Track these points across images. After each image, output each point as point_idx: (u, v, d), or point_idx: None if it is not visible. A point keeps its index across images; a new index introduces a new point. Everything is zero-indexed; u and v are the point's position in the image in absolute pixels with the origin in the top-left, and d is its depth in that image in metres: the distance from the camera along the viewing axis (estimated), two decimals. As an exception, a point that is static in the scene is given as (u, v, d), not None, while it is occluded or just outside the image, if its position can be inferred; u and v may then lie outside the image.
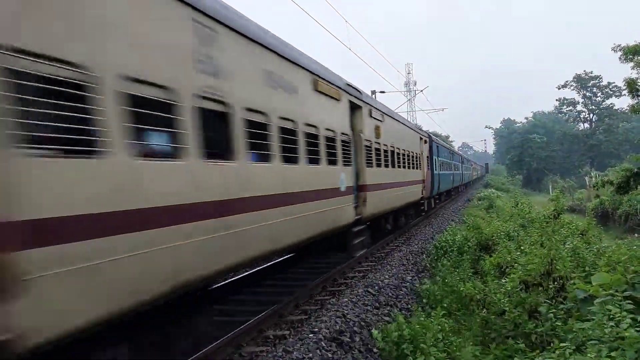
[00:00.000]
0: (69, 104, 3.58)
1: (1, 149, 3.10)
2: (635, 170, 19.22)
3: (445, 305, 7.61)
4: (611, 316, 4.23)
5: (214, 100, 5.24)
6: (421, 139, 20.13)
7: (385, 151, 13.15)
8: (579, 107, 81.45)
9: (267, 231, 6.29)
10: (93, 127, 3.77)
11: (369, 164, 11.37)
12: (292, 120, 7.18)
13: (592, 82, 78.37)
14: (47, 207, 3.30)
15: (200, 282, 5.06)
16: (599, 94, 79.01)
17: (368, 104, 11.77)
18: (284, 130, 6.86)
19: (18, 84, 3.22)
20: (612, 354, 3.86)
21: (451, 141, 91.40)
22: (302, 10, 15.38)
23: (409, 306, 8.53)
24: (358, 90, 11.19)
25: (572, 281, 5.81)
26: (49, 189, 3.36)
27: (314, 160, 8.13)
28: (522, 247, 8.99)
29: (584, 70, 79.54)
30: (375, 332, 6.49)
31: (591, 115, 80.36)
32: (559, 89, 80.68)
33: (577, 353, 4.25)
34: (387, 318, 7.66)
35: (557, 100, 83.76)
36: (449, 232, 14.05)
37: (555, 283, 5.95)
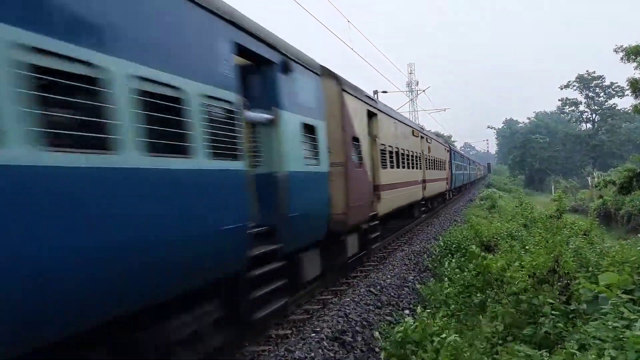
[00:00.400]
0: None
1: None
2: (638, 170, 19.16)
3: (450, 304, 7.57)
4: (624, 317, 4.18)
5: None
6: (446, 149, 28.25)
7: (429, 161, 21.30)
8: (582, 107, 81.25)
9: (403, 194, 14.99)
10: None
11: (428, 168, 20.82)
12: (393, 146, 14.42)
13: (594, 82, 78.18)
14: (383, 180, 12.22)
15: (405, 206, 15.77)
16: (602, 94, 78.81)
17: (426, 136, 21.75)
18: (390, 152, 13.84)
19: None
20: (612, 353, 3.83)
21: (453, 141, 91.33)
22: (304, 10, 15.40)
23: (411, 306, 8.50)
24: (424, 133, 22.19)
25: (577, 281, 5.77)
26: (385, 175, 12.76)
27: (410, 166, 16.67)
28: (526, 247, 8.95)
29: (587, 70, 79.27)
30: (376, 333, 6.46)
31: (594, 115, 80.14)
32: (562, 89, 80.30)
33: (580, 353, 4.21)
34: (389, 318, 7.63)
35: (559, 100, 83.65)
36: (452, 234, 14.01)
37: (561, 281, 5.90)
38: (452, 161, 31.67)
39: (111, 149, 3.61)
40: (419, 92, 59.44)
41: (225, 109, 5.14)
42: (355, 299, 8.20)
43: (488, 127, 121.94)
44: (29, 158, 3.01)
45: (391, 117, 14.11)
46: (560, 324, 5.07)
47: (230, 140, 5.14)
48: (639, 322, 4.01)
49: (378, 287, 9.17)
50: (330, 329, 6.64)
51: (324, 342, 6.19)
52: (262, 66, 6.45)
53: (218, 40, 5.16)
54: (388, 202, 12.66)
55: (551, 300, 5.40)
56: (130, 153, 3.75)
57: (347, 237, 9.68)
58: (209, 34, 5.03)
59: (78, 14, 3.49)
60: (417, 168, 17.56)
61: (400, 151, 14.66)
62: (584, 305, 5.09)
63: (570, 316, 5.21)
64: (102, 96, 3.58)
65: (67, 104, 3.37)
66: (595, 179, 39.09)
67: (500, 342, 5.20)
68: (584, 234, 11.62)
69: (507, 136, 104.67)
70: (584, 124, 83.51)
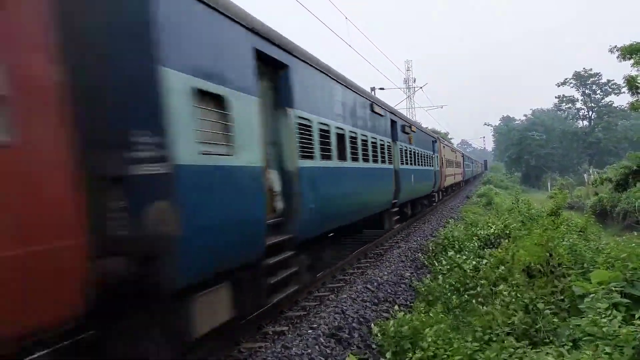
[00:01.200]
0: None
1: None
2: (634, 168, 19.25)
3: (445, 300, 7.63)
4: (601, 312, 4.25)
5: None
6: (462, 155, 45.46)
7: (451, 162, 30.67)
8: (578, 105, 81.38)
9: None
10: None
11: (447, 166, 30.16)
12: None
13: (591, 79, 78.30)
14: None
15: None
16: (599, 92, 78.97)
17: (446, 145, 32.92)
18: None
19: None
20: (607, 349, 3.88)
21: (450, 138, 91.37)
22: (301, 6, 15.33)
23: (408, 302, 8.55)
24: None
25: (569, 278, 5.83)
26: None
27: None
28: (521, 241, 9.02)
29: (583, 68, 79.43)
30: (375, 328, 6.52)
31: (590, 112, 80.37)
32: (559, 86, 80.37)
33: (573, 350, 4.27)
34: (386, 314, 7.69)
35: (556, 97, 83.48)
36: (449, 230, 14.07)
37: (554, 272, 5.97)
38: (463, 162, 49.27)
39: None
40: (416, 89, 59.41)
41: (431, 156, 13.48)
42: (352, 296, 8.25)
43: (485, 124, 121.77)
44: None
45: (448, 147, 29.02)
46: (555, 320, 5.13)
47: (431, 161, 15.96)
48: (618, 317, 4.06)
49: (375, 283, 9.22)
50: (327, 325, 6.68)
51: (321, 339, 6.24)
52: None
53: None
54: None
55: (543, 296, 5.46)
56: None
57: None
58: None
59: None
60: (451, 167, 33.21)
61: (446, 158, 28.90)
62: (569, 302, 5.15)
63: (563, 313, 5.27)
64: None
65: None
66: (592, 176, 39.16)
67: (493, 337, 5.27)
68: (580, 231, 11.69)
69: (503, 133, 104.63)
70: (580, 122, 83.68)
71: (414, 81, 72.08)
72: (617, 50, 23.28)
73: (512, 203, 20.34)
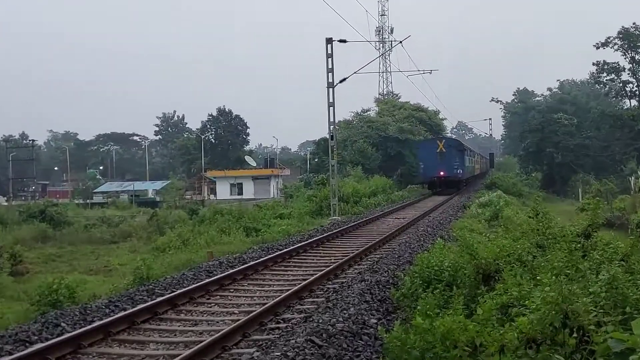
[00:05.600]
0: None
1: None
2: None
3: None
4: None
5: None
6: (481, 157, 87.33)
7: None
8: (625, 76, 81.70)
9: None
10: None
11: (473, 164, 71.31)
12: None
13: (645, 40, 78.95)
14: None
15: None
16: (655, 59, 79.70)
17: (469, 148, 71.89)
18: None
19: None
20: None
21: (442, 119, 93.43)
22: None
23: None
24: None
25: (604, 328, 5.99)
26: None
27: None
28: (538, 277, 9.26)
29: (634, 23, 78.75)
30: None
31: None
32: (598, 47, 79.31)
33: None
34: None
35: (594, 64, 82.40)
36: (434, 254, 14.31)
37: (576, 335, 6.15)
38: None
39: None
40: (393, 43, 60.37)
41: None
42: (289, 354, 8.24)
43: (492, 101, 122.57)
44: None
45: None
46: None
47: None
48: None
49: (324, 335, 9.25)
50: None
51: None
52: None
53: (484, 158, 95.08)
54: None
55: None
56: None
57: None
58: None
59: None
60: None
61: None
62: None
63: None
64: None
65: None
66: (640, 180, 40.94)
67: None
68: (622, 260, 12.12)
69: (519, 114, 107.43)
70: (627, 100, 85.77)
71: (391, 32, 73.10)
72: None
73: (529, 217, 20.88)
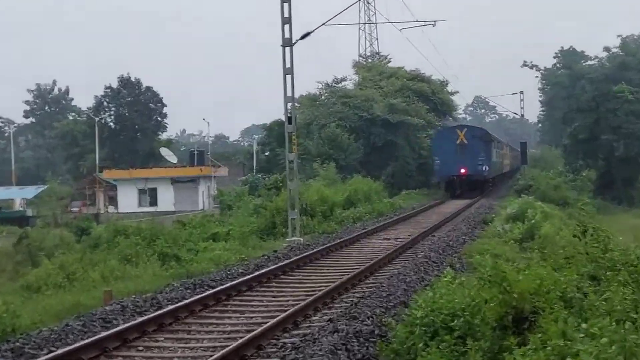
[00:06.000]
0: None
1: None
2: None
3: None
4: None
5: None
6: (511, 150, 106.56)
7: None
8: None
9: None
10: None
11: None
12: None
13: None
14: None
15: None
16: None
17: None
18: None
19: None
20: None
21: (452, 93, 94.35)
22: None
23: None
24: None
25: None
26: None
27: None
28: (588, 321, 9.36)
29: None
30: None
31: None
32: None
33: None
34: None
35: None
36: (441, 291, 14.39)
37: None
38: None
39: None
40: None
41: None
42: None
43: (524, 66, 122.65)
44: None
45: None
46: None
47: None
48: None
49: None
50: None
51: None
52: None
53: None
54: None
55: None
56: None
57: None
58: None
59: None
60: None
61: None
62: None
63: None
64: None
65: None
66: None
67: None
68: None
69: (563, 85, 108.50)
70: None
71: (376, -36, 73.04)
72: None
73: (574, 236, 21.06)
